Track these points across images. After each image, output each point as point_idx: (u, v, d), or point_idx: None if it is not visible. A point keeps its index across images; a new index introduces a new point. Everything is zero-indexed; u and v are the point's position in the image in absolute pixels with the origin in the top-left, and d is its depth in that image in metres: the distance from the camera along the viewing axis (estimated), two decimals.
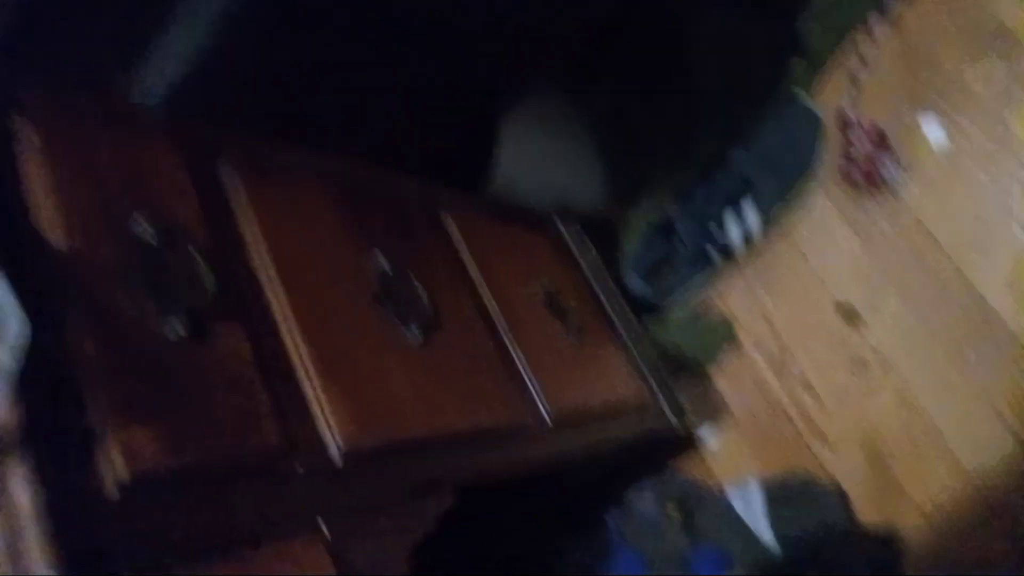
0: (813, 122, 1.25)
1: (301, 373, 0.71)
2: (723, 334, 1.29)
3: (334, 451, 0.69)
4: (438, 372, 0.84)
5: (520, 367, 0.95)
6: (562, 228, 1.22)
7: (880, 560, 1.16)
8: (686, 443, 1.28)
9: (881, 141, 1.17)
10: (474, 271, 0.99)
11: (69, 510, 0.51)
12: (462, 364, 0.88)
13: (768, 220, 1.25)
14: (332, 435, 0.69)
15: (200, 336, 0.63)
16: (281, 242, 0.76)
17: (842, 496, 1.21)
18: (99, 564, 0.50)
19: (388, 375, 0.78)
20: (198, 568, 0.54)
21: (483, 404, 0.87)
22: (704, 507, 1.25)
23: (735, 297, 1.33)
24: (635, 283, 1.26)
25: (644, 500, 1.31)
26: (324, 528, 0.64)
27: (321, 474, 0.67)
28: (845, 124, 1.22)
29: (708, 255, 1.26)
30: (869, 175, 1.17)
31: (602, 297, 1.20)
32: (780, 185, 1.24)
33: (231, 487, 0.61)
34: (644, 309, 1.25)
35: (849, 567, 1.14)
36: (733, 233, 1.23)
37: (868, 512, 1.19)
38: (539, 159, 1.25)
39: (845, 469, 1.23)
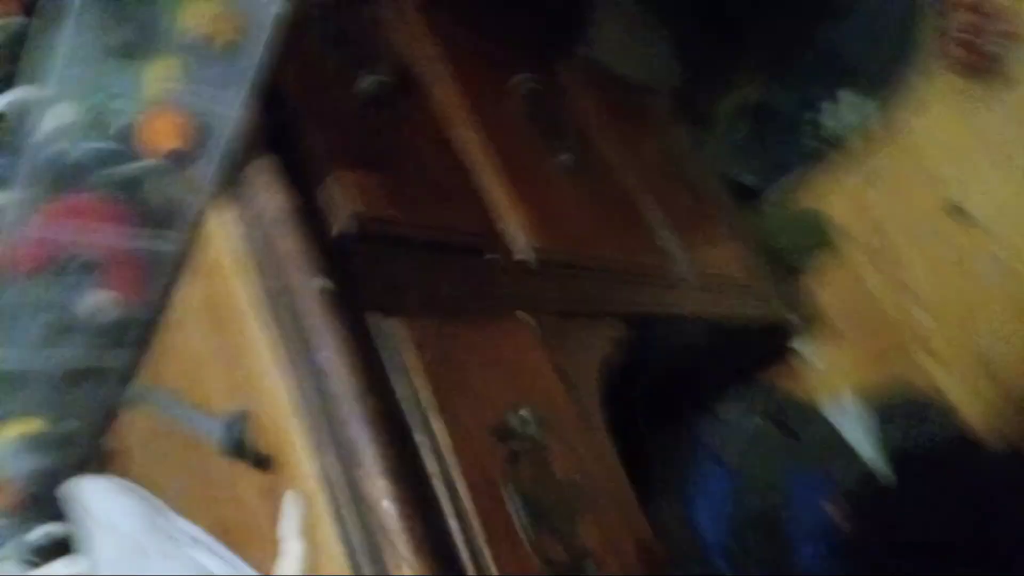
0: None
1: (485, 170, 0.66)
2: (821, 232, 1.24)
3: (528, 252, 0.65)
4: (592, 200, 0.80)
5: (657, 220, 0.91)
6: (660, 103, 1.17)
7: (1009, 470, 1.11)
8: (789, 341, 1.23)
9: (982, 9, 1.12)
10: (597, 120, 0.94)
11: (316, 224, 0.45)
12: (611, 199, 0.85)
13: (868, 110, 1.21)
14: (524, 236, 0.65)
15: (393, 100, 0.59)
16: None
17: (950, 410, 1.15)
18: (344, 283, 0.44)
19: (555, 190, 0.75)
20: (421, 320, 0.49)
21: (636, 241, 0.84)
22: (803, 423, 1.20)
23: (836, 194, 1.28)
24: (728, 165, 1.22)
25: (739, 412, 1.26)
26: (529, 318, 0.60)
27: (520, 269, 0.63)
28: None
29: (805, 142, 1.22)
30: (973, 49, 1.13)
31: (699, 173, 1.16)
32: (878, 71, 1.20)
33: (440, 256, 0.56)
34: (741, 197, 1.21)
35: (975, 479, 1.09)
36: (832, 121, 1.19)
37: (980, 429, 1.13)
38: (632, 32, 1.20)
39: (954, 381, 1.17)
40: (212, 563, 0.48)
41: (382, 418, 0.43)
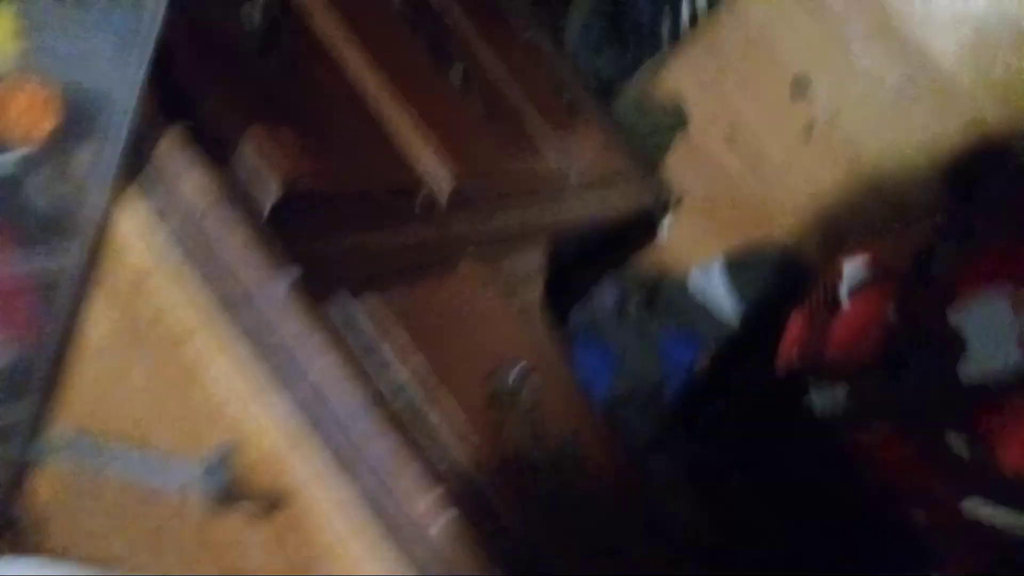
0: None
1: (387, 100, 0.58)
2: (675, 115, 1.26)
3: (450, 182, 0.59)
4: (487, 116, 0.76)
5: (538, 127, 0.87)
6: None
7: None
8: (656, 225, 1.26)
9: None
10: (470, 28, 0.87)
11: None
12: (499, 112, 0.80)
13: None
14: (444, 166, 0.59)
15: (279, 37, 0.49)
16: None
17: (797, 255, 1.25)
18: None
19: (456, 111, 0.69)
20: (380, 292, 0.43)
21: (528, 154, 0.81)
22: (664, 293, 1.25)
23: (684, 76, 1.30)
24: (587, 61, 1.19)
25: (605, 292, 1.30)
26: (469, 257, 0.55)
27: (451, 203, 0.58)
28: None
29: (659, 31, 1.21)
30: None
31: (564, 72, 1.12)
32: None
33: (375, 209, 0.49)
34: (601, 91, 1.20)
35: None
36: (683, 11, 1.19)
37: None
38: None
39: (800, 236, 1.26)
40: None
41: (400, 422, 0.37)
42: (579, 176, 0.91)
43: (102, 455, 0.39)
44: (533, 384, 0.48)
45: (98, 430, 0.39)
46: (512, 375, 0.47)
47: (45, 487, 0.42)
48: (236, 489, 0.36)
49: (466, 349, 0.47)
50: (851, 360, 0.54)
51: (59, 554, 0.43)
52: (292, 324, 0.35)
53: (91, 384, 0.39)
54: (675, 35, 1.24)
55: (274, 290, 0.36)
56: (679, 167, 1.33)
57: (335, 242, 0.44)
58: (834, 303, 0.59)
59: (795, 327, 0.62)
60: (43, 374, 0.38)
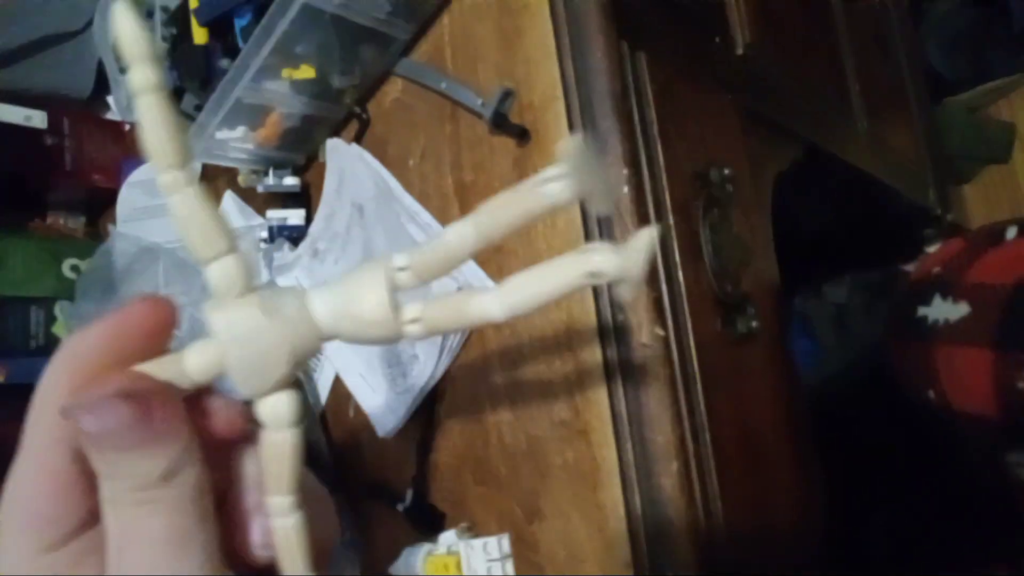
0: None
1: None
2: (1002, 148, 1.21)
3: (742, 46, 0.69)
4: (803, 25, 0.82)
5: (851, 72, 0.93)
6: None
7: None
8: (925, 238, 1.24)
9: None
10: None
11: None
12: (818, 37, 0.87)
13: None
14: (745, 29, 0.69)
15: None
16: None
17: None
18: None
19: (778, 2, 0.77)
20: None
21: (831, 81, 0.87)
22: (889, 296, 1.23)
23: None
24: (932, 52, 1.18)
25: (837, 285, 1.30)
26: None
27: (736, 59, 0.68)
28: None
29: (1021, 54, 1.16)
30: None
31: (902, 59, 1.13)
32: None
33: (681, 20, 0.61)
34: (935, 88, 1.18)
35: None
36: None
37: None
38: None
39: None
40: (421, 238, 0.58)
41: (629, 121, 0.50)
42: (869, 133, 0.95)
43: (440, 80, 0.57)
44: (731, 186, 0.59)
45: (442, 63, 0.58)
46: (720, 173, 0.58)
47: (392, 95, 0.62)
48: (509, 119, 0.52)
49: (693, 141, 0.59)
50: (986, 285, 0.58)
51: (380, 145, 0.63)
52: (590, 23, 0.50)
53: (452, 30, 0.57)
54: None
55: None
56: (978, 196, 1.29)
57: (647, 16, 0.58)
58: (998, 237, 0.61)
59: (948, 249, 0.65)
60: (429, 11, 0.57)
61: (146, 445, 0.22)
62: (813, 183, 1.04)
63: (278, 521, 0.24)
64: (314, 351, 0.25)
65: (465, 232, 0.24)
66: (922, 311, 0.62)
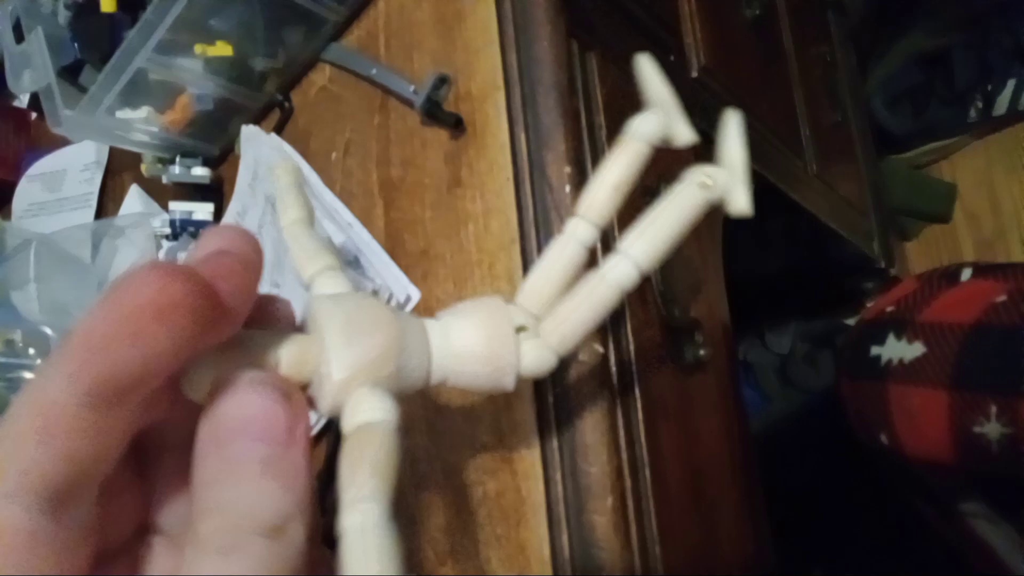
0: None
1: None
2: (943, 208, 1.22)
3: (696, 69, 0.66)
4: (760, 58, 0.83)
5: (803, 115, 0.92)
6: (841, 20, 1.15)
7: None
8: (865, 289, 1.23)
9: None
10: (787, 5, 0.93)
11: None
12: (773, 72, 0.86)
13: None
14: (699, 53, 0.67)
15: None
16: None
17: None
18: None
19: (736, 33, 0.76)
20: None
21: (782, 120, 0.85)
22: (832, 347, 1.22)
23: (973, 177, 1.25)
24: (877, 108, 1.19)
25: (780, 335, 1.29)
26: None
27: (689, 84, 0.65)
28: None
29: (968, 114, 1.18)
30: None
31: (849, 110, 1.14)
32: None
33: (636, 33, 0.58)
34: (883, 142, 1.19)
35: None
36: (1004, 95, 1.15)
37: None
38: None
39: None
40: (339, 238, 0.52)
41: (575, 119, 0.45)
42: (818, 175, 0.94)
43: (369, 66, 0.52)
44: None
45: (371, 49, 0.53)
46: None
47: (315, 84, 0.57)
48: (442, 108, 0.47)
49: None
50: (943, 325, 0.55)
51: (302, 138, 0.57)
52: (538, 10, 0.46)
53: (386, 13, 0.52)
54: (982, 121, 1.20)
55: None
56: (918, 252, 1.29)
57: (597, 19, 0.54)
58: (953, 278, 0.59)
59: (902, 288, 0.63)
60: None
61: (277, 472, 0.17)
62: (758, 223, 1.02)
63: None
64: (418, 378, 0.22)
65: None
66: (875, 350, 0.59)
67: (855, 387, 0.61)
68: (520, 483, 0.42)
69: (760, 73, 0.82)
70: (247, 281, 0.18)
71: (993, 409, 0.51)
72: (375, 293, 0.49)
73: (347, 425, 0.19)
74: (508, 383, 0.23)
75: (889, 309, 0.62)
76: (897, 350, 0.57)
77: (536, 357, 0.24)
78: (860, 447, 0.61)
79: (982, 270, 0.57)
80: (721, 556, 0.49)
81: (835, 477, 0.83)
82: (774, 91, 0.87)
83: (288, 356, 0.19)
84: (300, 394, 0.19)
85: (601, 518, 0.40)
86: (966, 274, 0.59)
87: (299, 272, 0.21)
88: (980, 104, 1.20)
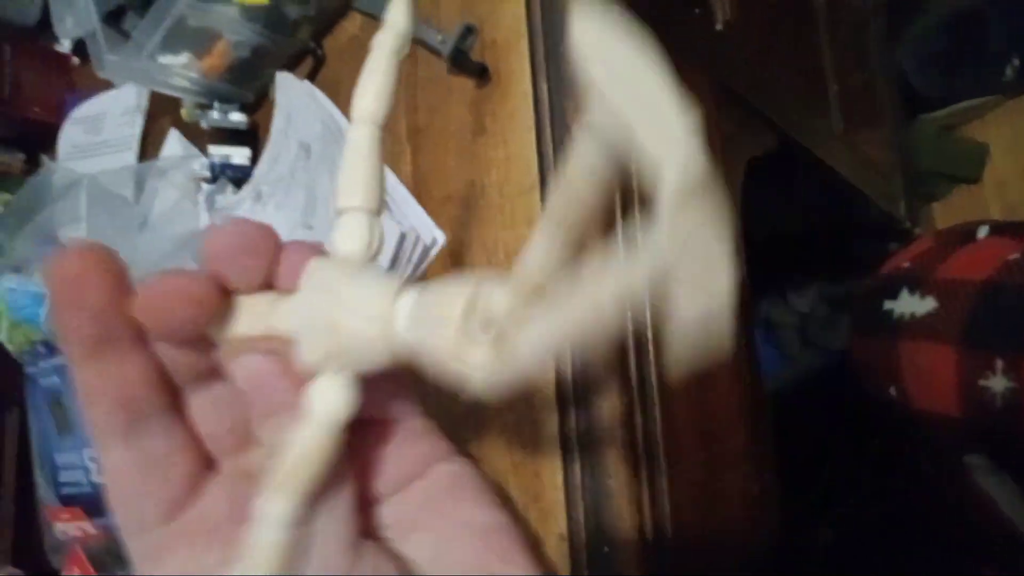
0: None
1: None
2: (974, 170, 1.21)
3: (722, 22, 0.66)
4: (785, 17, 0.81)
5: (830, 73, 0.91)
6: None
7: None
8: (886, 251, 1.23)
9: None
10: None
11: None
12: (799, 31, 0.85)
13: None
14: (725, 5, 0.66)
15: None
16: None
17: None
18: None
19: None
20: None
21: (808, 78, 0.85)
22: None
23: (1006, 139, 1.23)
24: (909, 68, 1.17)
25: (802, 295, 1.30)
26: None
27: (714, 36, 0.66)
28: None
29: (1001, 76, 1.16)
30: None
31: (879, 70, 1.13)
32: None
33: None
34: (914, 103, 1.18)
35: None
36: None
37: None
38: None
39: None
40: None
41: None
42: (844, 134, 0.94)
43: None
44: None
45: None
46: None
47: (348, 31, 0.58)
48: (469, 58, 0.49)
49: None
50: (956, 281, 0.56)
51: (333, 85, 0.59)
52: None
53: None
54: (1017, 80, 1.18)
55: None
56: (944, 214, 1.28)
57: None
58: (970, 235, 0.60)
59: (918, 246, 0.63)
60: None
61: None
62: (784, 182, 1.02)
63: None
64: (381, 364, 0.21)
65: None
66: (888, 305, 0.60)
67: (866, 341, 0.62)
68: (536, 415, 0.44)
69: (787, 30, 0.82)
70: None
71: (1000, 364, 0.52)
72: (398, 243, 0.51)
73: (305, 409, 0.20)
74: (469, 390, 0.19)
75: (905, 265, 0.63)
76: (910, 305, 0.58)
77: (481, 375, 0.18)
78: (869, 405, 0.63)
79: (999, 228, 0.58)
80: (725, 493, 0.52)
81: (845, 435, 0.84)
82: (802, 45, 0.87)
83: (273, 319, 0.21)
84: None
85: (612, 449, 0.42)
86: (983, 231, 0.60)
87: (335, 196, 0.23)
88: (1017, 63, 1.18)
